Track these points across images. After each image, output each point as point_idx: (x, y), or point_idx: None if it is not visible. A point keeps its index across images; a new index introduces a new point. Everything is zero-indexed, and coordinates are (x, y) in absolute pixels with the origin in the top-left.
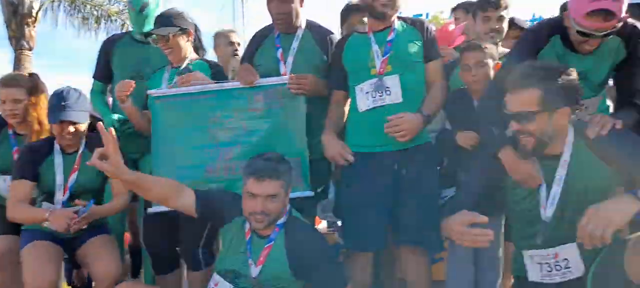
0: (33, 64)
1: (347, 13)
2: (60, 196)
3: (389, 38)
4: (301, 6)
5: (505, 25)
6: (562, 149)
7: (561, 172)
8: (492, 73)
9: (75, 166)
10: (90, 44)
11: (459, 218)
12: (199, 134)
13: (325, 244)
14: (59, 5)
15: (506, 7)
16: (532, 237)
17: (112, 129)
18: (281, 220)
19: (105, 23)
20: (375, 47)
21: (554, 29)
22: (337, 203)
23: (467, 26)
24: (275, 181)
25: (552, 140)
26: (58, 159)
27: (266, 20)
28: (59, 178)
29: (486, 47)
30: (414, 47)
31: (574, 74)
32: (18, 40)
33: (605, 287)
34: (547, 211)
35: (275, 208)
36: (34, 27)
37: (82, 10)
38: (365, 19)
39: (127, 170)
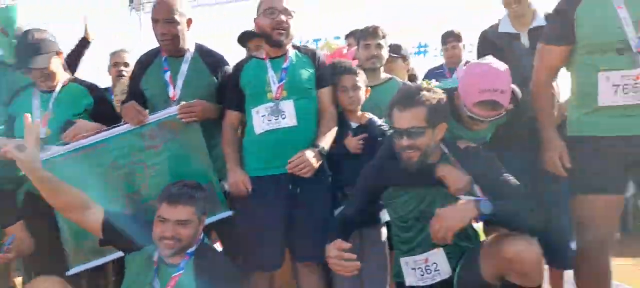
0: None
1: (244, 39)
2: None
3: (284, 65)
4: (188, 29)
5: (384, 52)
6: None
7: None
8: (363, 97)
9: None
10: None
11: (332, 247)
12: (102, 189)
13: (231, 269)
14: None
15: (384, 36)
16: (407, 243)
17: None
18: (191, 249)
19: None
20: (271, 73)
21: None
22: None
23: (357, 52)
24: (188, 207)
25: (432, 155)
26: None
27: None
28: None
29: (359, 72)
30: (307, 74)
31: (442, 94)
32: None
33: (467, 286)
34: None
35: (186, 235)
36: None
37: None
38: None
39: (41, 167)
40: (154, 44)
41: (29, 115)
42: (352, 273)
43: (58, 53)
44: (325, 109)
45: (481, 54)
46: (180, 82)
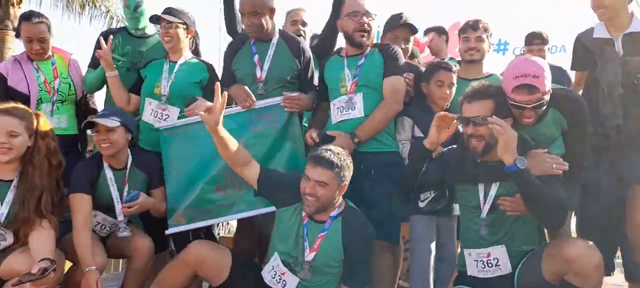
0: (15, 45)
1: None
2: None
3: (359, 62)
4: (271, 19)
5: (485, 45)
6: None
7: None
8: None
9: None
10: (74, 28)
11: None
12: (208, 160)
13: (374, 235)
14: None
15: (485, 30)
16: (472, 234)
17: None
18: (335, 212)
19: (89, 8)
20: (346, 71)
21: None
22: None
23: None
24: (327, 170)
25: (494, 147)
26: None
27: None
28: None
29: (455, 71)
30: (377, 70)
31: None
32: (2, 20)
33: (527, 284)
34: (484, 209)
35: (323, 195)
36: (20, 7)
37: None
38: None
39: (222, 127)
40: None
41: (218, 84)
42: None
43: (190, 30)
44: (384, 97)
45: (576, 58)
46: (266, 65)
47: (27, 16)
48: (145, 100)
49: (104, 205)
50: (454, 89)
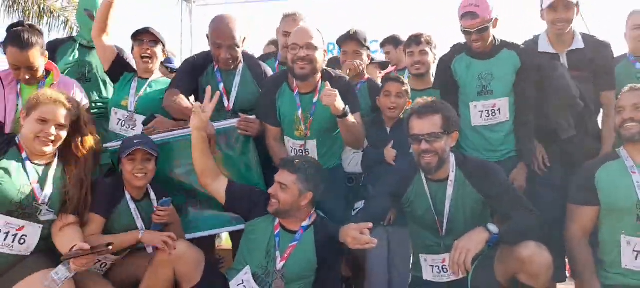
0: None
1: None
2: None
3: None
4: (242, 46)
5: (428, 58)
6: (448, 173)
7: (449, 191)
8: (405, 106)
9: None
10: None
11: (352, 227)
12: (169, 182)
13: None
14: None
15: (428, 43)
16: (427, 243)
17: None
18: (306, 223)
19: (47, 19)
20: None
21: (460, 48)
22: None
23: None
24: (292, 174)
25: (445, 162)
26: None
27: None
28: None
29: (405, 82)
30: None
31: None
32: None
33: (480, 285)
34: (444, 229)
35: (284, 199)
36: None
37: (23, 4)
38: None
39: (206, 129)
40: (203, 35)
41: (209, 88)
42: (369, 247)
43: (163, 49)
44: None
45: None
46: (233, 93)
47: (14, 37)
48: (112, 109)
49: (119, 232)
50: (404, 100)
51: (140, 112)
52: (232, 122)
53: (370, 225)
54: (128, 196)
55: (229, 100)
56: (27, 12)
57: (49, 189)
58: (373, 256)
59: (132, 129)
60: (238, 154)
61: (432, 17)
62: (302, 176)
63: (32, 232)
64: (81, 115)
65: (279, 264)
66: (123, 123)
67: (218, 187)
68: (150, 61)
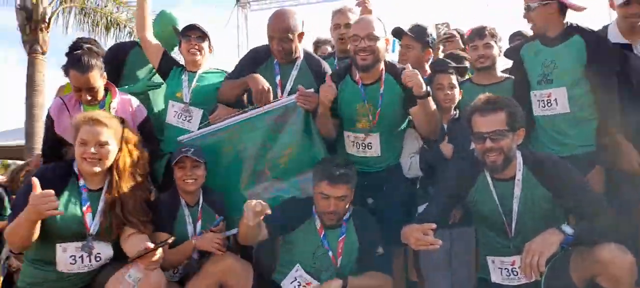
0: (45, 67)
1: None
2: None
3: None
4: (299, 42)
5: (493, 51)
6: (515, 171)
7: (517, 191)
8: (458, 97)
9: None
10: None
11: (415, 228)
12: (233, 169)
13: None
14: (69, 12)
15: (493, 36)
16: (495, 245)
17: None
18: (347, 215)
19: (114, 30)
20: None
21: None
22: None
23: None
24: (345, 185)
25: (511, 160)
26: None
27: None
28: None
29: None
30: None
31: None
32: (32, 45)
33: None
34: (513, 230)
35: (343, 207)
36: (47, 32)
37: (92, 17)
38: None
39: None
40: (259, 39)
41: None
42: (433, 248)
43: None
44: None
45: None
46: (288, 87)
47: (75, 61)
48: (169, 102)
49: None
50: (456, 91)
51: (195, 103)
52: (291, 98)
53: (434, 226)
54: (183, 202)
55: (282, 92)
56: (96, 24)
57: (98, 217)
58: (434, 258)
59: (188, 121)
60: (301, 127)
61: (433, 17)
62: (351, 183)
63: (105, 249)
64: (123, 132)
65: (338, 261)
66: (179, 115)
67: (263, 235)
68: (197, 54)
